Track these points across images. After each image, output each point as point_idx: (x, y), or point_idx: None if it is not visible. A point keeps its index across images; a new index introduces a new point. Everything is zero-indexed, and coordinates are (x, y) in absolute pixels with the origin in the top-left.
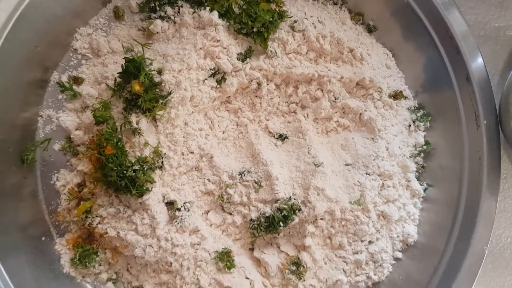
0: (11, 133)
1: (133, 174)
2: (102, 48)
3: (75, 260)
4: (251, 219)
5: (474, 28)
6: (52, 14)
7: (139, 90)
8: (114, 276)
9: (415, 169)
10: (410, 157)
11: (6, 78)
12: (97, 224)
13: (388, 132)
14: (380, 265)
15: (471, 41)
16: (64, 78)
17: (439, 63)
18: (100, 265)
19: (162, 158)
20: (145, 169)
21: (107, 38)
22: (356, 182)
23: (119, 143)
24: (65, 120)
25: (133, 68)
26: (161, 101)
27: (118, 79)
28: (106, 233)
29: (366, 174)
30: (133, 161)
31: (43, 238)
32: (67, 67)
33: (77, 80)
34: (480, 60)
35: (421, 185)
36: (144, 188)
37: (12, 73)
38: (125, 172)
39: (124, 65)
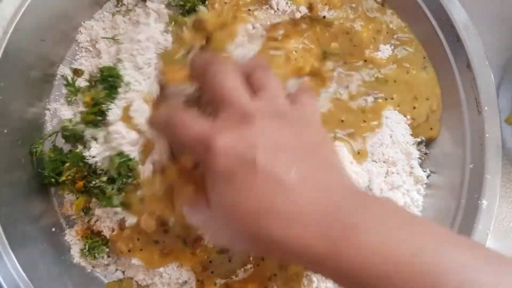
0: (20, 127)
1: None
2: (100, 40)
3: (84, 251)
4: None
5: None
6: (59, 7)
7: (88, 102)
8: (122, 269)
9: (418, 156)
10: (413, 144)
11: (13, 72)
12: (95, 222)
13: (391, 120)
14: None
15: (472, 29)
16: (67, 71)
17: (439, 51)
18: (108, 256)
19: None
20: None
21: (105, 30)
22: (364, 168)
23: None
24: (66, 115)
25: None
26: None
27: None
28: (101, 231)
29: (373, 161)
30: None
31: (54, 229)
32: (73, 60)
33: (78, 72)
34: (480, 47)
35: (424, 171)
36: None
37: (19, 67)
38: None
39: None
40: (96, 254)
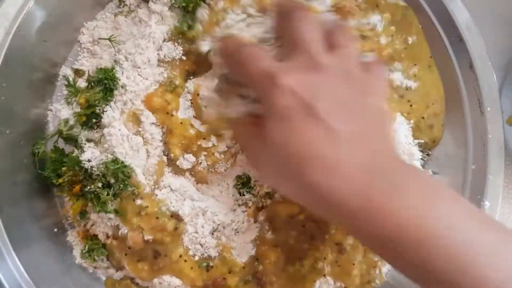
0: (22, 127)
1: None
2: (100, 41)
3: (84, 252)
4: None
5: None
6: (61, 8)
7: (83, 104)
8: (122, 271)
9: (420, 157)
10: (415, 144)
11: (16, 73)
12: (91, 226)
13: (394, 121)
14: None
15: (474, 29)
16: (69, 72)
17: (442, 52)
18: (108, 259)
19: None
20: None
21: (107, 31)
22: None
23: None
24: (64, 116)
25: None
26: None
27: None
28: (98, 235)
29: None
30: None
31: (56, 229)
32: (75, 61)
33: (79, 73)
34: (483, 47)
35: (426, 172)
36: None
37: (22, 68)
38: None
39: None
40: (95, 257)
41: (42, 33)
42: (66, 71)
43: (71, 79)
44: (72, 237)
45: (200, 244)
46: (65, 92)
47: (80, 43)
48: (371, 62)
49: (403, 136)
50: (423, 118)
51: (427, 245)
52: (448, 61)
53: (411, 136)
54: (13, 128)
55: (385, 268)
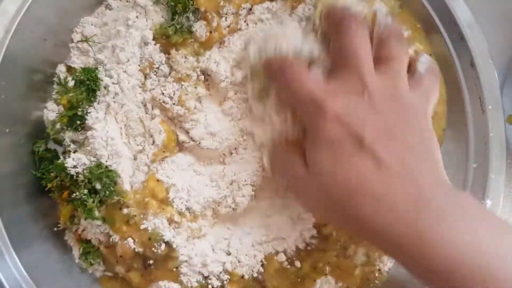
0: (22, 126)
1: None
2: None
3: (81, 254)
4: None
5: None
6: (61, 6)
7: (65, 105)
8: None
9: None
10: None
11: (15, 71)
12: (82, 231)
13: None
14: None
15: (475, 27)
16: (63, 69)
17: (443, 50)
18: (104, 263)
19: None
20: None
21: (98, 27)
22: None
23: None
24: (50, 117)
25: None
26: None
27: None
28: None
29: None
30: None
31: (56, 230)
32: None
33: (71, 71)
34: (484, 45)
35: None
36: None
37: (21, 66)
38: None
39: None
40: (91, 260)
41: (41, 31)
42: (62, 69)
43: (62, 77)
44: (70, 238)
45: (199, 271)
46: (55, 88)
47: (72, 41)
48: (425, 72)
49: None
50: None
51: (486, 276)
52: (449, 59)
53: None
54: (12, 127)
55: (386, 267)
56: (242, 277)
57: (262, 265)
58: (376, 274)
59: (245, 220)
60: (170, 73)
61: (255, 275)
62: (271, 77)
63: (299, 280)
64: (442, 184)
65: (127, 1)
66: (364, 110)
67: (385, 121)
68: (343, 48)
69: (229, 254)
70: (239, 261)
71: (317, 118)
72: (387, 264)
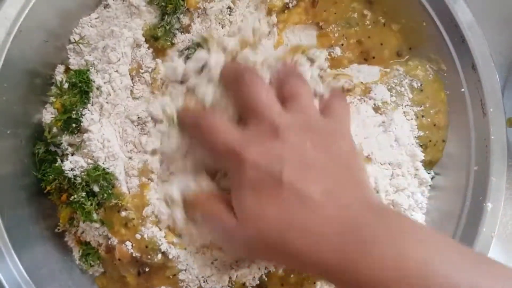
0: (23, 127)
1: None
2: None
3: (81, 256)
4: None
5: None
6: (62, 8)
7: (59, 108)
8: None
9: (423, 158)
10: (418, 145)
11: (17, 73)
12: (81, 233)
13: (397, 121)
14: None
15: (477, 29)
16: (61, 70)
17: (444, 52)
18: (103, 265)
19: None
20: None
21: (97, 28)
22: (369, 170)
23: None
24: (46, 119)
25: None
26: None
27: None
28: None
29: (378, 163)
30: None
31: (56, 230)
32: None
33: (68, 71)
34: (486, 48)
35: (428, 173)
36: None
37: (23, 68)
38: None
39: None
40: (91, 262)
41: (43, 33)
42: (61, 71)
43: (58, 79)
44: (70, 239)
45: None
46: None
47: (70, 42)
48: (331, 97)
49: (405, 137)
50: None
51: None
52: (451, 62)
53: (413, 136)
54: (14, 128)
55: None
56: (244, 284)
57: (266, 274)
58: None
59: None
60: (151, 83)
61: (257, 282)
62: (191, 131)
63: (299, 283)
64: (368, 205)
65: (123, 1)
66: (279, 149)
67: (301, 154)
68: (246, 100)
69: (231, 268)
70: (241, 271)
71: (237, 167)
72: None
